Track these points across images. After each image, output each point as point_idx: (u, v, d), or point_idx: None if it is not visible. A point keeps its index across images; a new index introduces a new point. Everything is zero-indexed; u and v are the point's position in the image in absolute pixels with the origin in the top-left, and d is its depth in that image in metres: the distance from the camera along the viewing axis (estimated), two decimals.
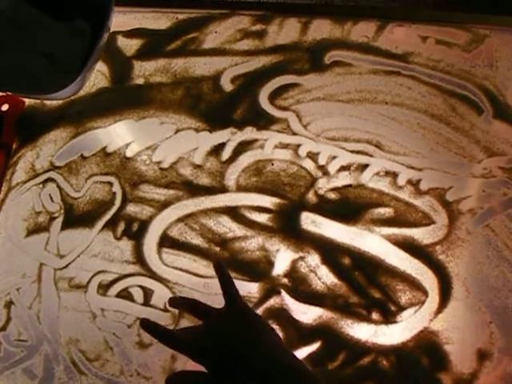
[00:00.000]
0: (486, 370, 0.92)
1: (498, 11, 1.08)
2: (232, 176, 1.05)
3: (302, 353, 0.95)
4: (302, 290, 0.98)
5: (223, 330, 0.71)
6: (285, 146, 1.06)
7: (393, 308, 0.96)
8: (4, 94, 1.14)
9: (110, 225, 1.07)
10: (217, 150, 1.08)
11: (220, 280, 0.77)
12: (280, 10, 1.15)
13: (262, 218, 1.02)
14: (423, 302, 0.96)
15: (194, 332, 0.72)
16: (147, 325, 0.72)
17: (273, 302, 0.98)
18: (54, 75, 1.03)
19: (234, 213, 1.03)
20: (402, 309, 0.96)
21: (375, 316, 0.96)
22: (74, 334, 1.03)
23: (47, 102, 1.17)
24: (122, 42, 1.18)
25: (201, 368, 0.69)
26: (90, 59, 1.03)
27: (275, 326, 0.97)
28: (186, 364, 0.97)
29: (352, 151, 1.04)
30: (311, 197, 1.02)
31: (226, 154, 1.07)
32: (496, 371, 0.92)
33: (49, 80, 1.03)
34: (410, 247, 0.98)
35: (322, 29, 1.12)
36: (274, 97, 1.09)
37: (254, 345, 0.68)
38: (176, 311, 1.00)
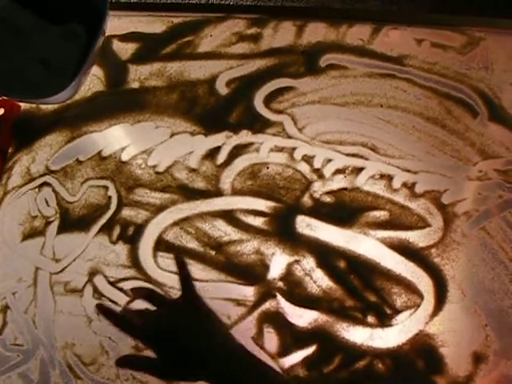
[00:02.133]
0: (481, 372, 0.92)
1: (494, 12, 1.08)
2: (227, 180, 1.05)
3: (297, 356, 0.95)
4: (298, 294, 0.98)
5: (175, 318, 0.72)
6: (280, 150, 1.05)
7: (388, 311, 0.96)
8: None
9: (106, 229, 1.07)
10: (212, 153, 1.07)
11: (179, 273, 0.78)
12: (275, 13, 1.15)
13: (258, 222, 1.02)
14: (419, 305, 0.95)
15: (147, 317, 0.74)
16: (102, 308, 0.74)
17: (268, 305, 0.98)
18: (48, 79, 1.03)
19: (229, 216, 1.03)
20: (397, 312, 0.96)
21: (371, 319, 0.96)
22: (70, 339, 1.02)
23: (43, 106, 1.17)
24: (117, 45, 1.18)
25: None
26: (85, 63, 1.03)
27: (270, 330, 0.97)
28: None
29: (347, 154, 1.04)
30: (306, 200, 1.02)
31: (222, 157, 1.07)
32: (492, 374, 0.92)
33: (44, 84, 1.02)
34: (405, 250, 0.98)
35: (317, 32, 1.12)
36: (269, 100, 1.09)
37: (201, 333, 0.70)
38: None
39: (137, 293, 0.81)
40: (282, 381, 0.67)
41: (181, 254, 0.80)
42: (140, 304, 0.97)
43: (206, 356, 0.67)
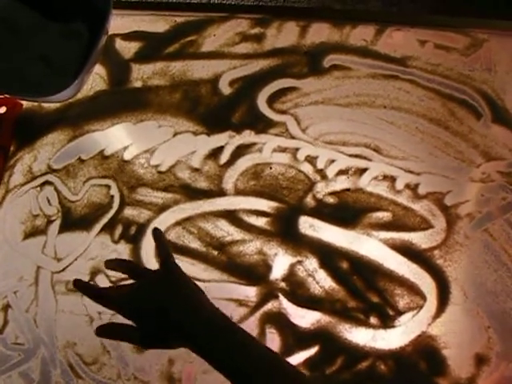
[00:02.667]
0: (483, 374, 0.92)
1: (497, 14, 1.08)
2: (230, 179, 1.05)
3: (299, 357, 0.95)
4: (300, 294, 0.98)
5: (153, 289, 0.72)
6: (283, 150, 1.05)
7: (391, 312, 0.96)
8: (2, 96, 1.13)
9: (108, 228, 1.06)
10: (215, 153, 1.07)
11: (157, 245, 0.78)
12: (279, 13, 1.15)
13: (260, 222, 1.02)
14: (421, 307, 0.95)
15: (126, 290, 0.73)
16: (80, 285, 0.74)
17: (271, 306, 0.98)
18: (51, 78, 1.03)
19: (232, 216, 1.03)
20: (400, 313, 0.95)
21: (373, 320, 0.96)
22: (71, 338, 1.02)
23: (45, 105, 1.16)
24: (120, 44, 1.18)
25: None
26: (88, 62, 1.02)
27: (273, 330, 0.97)
28: (183, 367, 0.97)
29: (350, 155, 1.03)
30: (309, 201, 1.02)
31: (224, 157, 1.07)
32: (493, 376, 0.92)
33: (46, 83, 1.02)
34: (408, 251, 0.98)
35: (320, 32, 1.12)
36: (272, 100, 1.09)
37: (178, 302, 0.70)
38: None
39: (114, 264, 0.80)
40: (271, 359, 0.67)
41: (156, 228, 0.79)
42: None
43: (191, 330, 0.67)
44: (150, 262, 1.02)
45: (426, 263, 0.97)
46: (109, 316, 1.01)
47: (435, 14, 1.10)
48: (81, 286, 0.75)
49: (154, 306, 0.70)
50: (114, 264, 0.81)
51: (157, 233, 0.79)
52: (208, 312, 0.70)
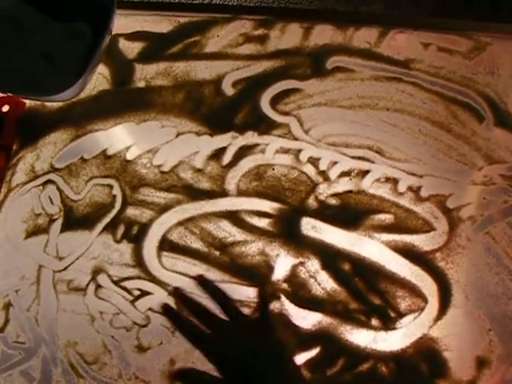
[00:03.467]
0: (484, 377, 0.92)
1: (498, 18, 1.08)
2: (233, 180, 1.05)
3: (301, 358, 0.95)
4: (302, 296, 0.98)
5: (251, 339, 0.70)
6: (286, 151, 1.05)
7: (392, 314, 0.96)
8: (4, 95, 1.13)
9: (110, 227, 1.06)
10: (218, 154, 1.07)
11: (259, 299, 0.76)
12: (282, 14, 1.15)
13: (263, 223, 1.02)
14: (423, 309, 0.95)
15: (219, 328, 0.72)
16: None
17: (272, 307, 0.98)
18: (54, 77, 1.03)
19: (234, 217, 1.03)
20: (401, 315, 0.96)
21: (375, 322, 0.96)
22: (73, 337, 1.02)
23: (48, 104, 1.16)
24: (123, 44, 1.18)
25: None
26: (92, 62, 1.02)
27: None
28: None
29: (353, 157, 1.04)
30: (312, 202, 1.02)
31: (227, 158, 1.07)
32: (494, 379, 0.92)
33: (49, 82, 1.02)
34: (409, 254, 0.98)
35: (323, 34, 1.12)
36: (275, 101, 1.09)
37: (269, 350, 0.68)
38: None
39: (183, 299, 0.78)
40: None
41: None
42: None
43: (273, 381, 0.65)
44: (152, 261, 1.02)
45: (428, 265, 0.97)
46: (110, 316, 1.02)
47: (436, 16, 1.10)
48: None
49: (246, 357, 0.67)
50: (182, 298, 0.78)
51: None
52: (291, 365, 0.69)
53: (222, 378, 0.67)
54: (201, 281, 0.80)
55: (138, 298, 1.02)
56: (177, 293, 0.74)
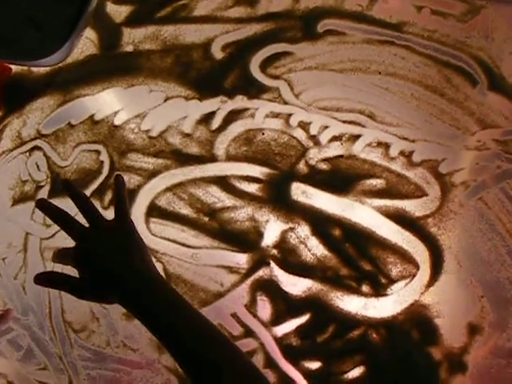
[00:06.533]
0: (476, 344, 0.92)
1: None
2: (222, 145, 1.04)
3: (290, 325, 0.95)
4: (292, 262, 0.98)
5: (101, 239, 0.72)
6: (276, 116, 1.04)
7: (383, 280, 0.95)
8: None
9: (98, 194, 1.06)
10: (206, 118, 1.06)
11: (116, 194, 0.77)
12: None
13: (252, 188, 1.01)
14: (414, 275, 0.95)
15: (81, 232, 0.73)
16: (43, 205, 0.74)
17: (262, 273, 0.97)
18: (41, 42, 1.01)
19: (223, 182, 1.02)
20: (392, 281, 0.95)
21: (365, 288, 0.95)
22: (60, 305, 1.02)
23: (34, 69, 1.14)
24: (111, 8, 1.16)
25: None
26: (78, 25, 1.01)
27: (264, 298, 0.96)
28: None
29: (344, 121, 1.02)
30: (302, 167, 1.01)
31: (216, 122, 1.05)
32: (486, 345, 0.92)
33: (36, 47, 1.01)
34: (401, 219, 0.97)
35: None
36: (265, 65, 1.07)
37: (115, 251, 0.70)
38: None
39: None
40: (202, 322, 0.66)
41: (120, 176, 0.77)
42: None
43: (123, 280, 0.67)
44: (140, 227, 1.01)
45: (420, 231, 0.96)
46: None
47: None
48: (44, 207, 0.75)
49: (100, 256, 0.69)
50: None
51: (119, 183, 0.77)
52: (144, 265, 0.70)
53: (84, 278, 0.69)
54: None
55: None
56: (38, 203, 0.75)
